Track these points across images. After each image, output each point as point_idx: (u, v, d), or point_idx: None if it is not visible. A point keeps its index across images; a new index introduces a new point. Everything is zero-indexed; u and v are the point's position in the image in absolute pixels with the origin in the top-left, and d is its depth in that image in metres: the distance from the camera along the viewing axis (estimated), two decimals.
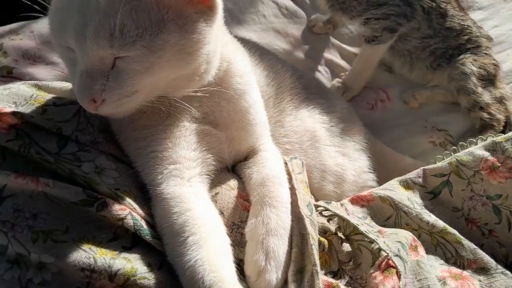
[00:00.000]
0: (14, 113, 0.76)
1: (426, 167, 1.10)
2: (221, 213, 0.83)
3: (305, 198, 0.89)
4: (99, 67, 0.70)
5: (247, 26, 1.58)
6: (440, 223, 0.99)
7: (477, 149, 1.06)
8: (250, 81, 0.93)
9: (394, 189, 1.07)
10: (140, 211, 0.77)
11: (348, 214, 0.99)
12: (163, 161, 0.79)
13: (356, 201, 1.05)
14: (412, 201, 1.03)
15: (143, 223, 0.75)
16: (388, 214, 1.02)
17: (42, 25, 1.50)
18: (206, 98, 0.84)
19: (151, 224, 0.77)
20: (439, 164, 1.09)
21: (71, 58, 0.73)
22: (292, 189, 0.89)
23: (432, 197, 1.05)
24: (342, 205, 1.03)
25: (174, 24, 0.72)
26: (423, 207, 1.03)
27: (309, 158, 1.08)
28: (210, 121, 0.86)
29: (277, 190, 0.83)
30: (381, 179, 1.22)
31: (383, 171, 1.24)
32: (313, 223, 0.84)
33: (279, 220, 0.79)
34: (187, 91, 0.80)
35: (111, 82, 0.70)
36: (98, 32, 0.67)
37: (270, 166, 0.89)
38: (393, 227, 1.01)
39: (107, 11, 0.67)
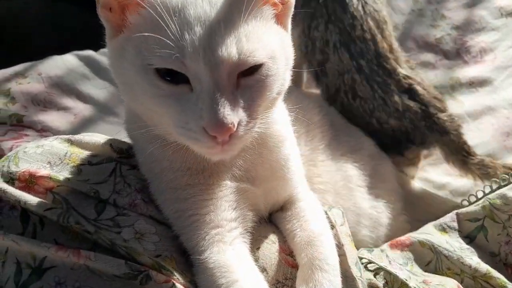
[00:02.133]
0: (50, 177, 0.75)
1: (459, 210, 1.07)
2: (265, 270, 0.80)
3: (352, 255, 0.85)
4: (228, 86, 0.63)
5: None
6: (483, 266, 0.95)
7: (509, 191, 1.03)
8: (289, 125, 0.90)
9: (431, 233, 1.04)
10: (182, 280, 0.73)
11: (390, 262, 0.96)
12: (204, 225, 0.75)
13: (395, 246, 1.02)
14: (451, 244, 1.00)
15: None
16: (429, 259, 0.99)
17: (49, 66, 1.45)
18: (250, 151, 0.80)
19: None
20: (472, 207, 1.06)
21: (174, 92, 0.64)
22: (338, 244, 0.84)
23: (468, 241, 1.02)
24: (382, 251, 0.99)
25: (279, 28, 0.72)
26: (462, 250, 1.00)
27: (342, 200, 1.04)
28: (249, 177, 0.82)
29: (326, 250, 0.78)
30: (413, 220, 1.18)
31: (413, 211, 1.21)
32: (364, 285, 0.81)
33: (331, 286, 0.74)
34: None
35: (240, 102, 0.64)
36: (226, 40, 0.62)
37: (313, 220, 0.85)
38: (434, 272, 0.98)
39: (231, 18, 0.63)
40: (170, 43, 0.60)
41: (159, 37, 0.60)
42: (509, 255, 0.99)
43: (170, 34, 0.60)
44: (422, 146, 1.29)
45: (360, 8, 1.25)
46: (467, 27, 1.71)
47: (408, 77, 1.26)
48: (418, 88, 1.26)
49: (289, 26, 0.76)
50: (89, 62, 1.50)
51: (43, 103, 1.35)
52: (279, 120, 0.85)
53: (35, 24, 2.00)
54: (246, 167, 0.81)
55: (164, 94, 0.64)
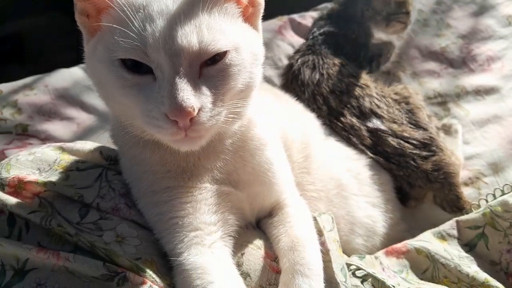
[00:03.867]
0: (37, 182, 0.77)
1: (459, 218, 1.05)
2: (248, 275, 0.80)
3: (338, 260, 0.84)
4: (189, 73, 0.65)
5: (264, 70, 1.56)
6: (481, 275, 0.93)
7: (511, 198, 1.00)
8: (273, 130, 0.91)
9: (429, 241, 1.02)
10: (161, 283, 0.73)
11: (383, 269, 0.94)
12: (183, 228, 0.75)
13: (391, 253, 1.00)
14: (449, 252, 0.98)
15: None
16: (425, 267, 0.97)
17: (56, 79, 1.50)
18: (230, 154, 0.81)
19: None
20: (472, 215, 1.03)
21: (139, 81, 0.67)
22: (324, 249, 0.84)
23: (468, 249, 1.00)
24: (376, 258, 0.97)
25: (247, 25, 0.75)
26: (461, 258, 0.97)
27: (335, 208, 1.03)
28: (231, 181, 0.82)
29: (308, 255, 0.78)
30: (412, 229, 1.16)
31: (413, 220, 1.19)
32: None
33: None
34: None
35: (203, 90, 0.66)
36: (186, 30, 0.65)
37: (298, 226, 0.84)
38: (430, 281, 0.96)
39: (192, 11, 0.66)
40: (133, 35, 0.64)
41: (123, 29, 0.64)
42: (511, 263, 0.96)
43: (133, 27, 0.64)
44: (411, 188, 1.23)
45: None
46: (473, 36, 1.68)
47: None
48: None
49: (260, 26, 0.78)
50: None
51: (48, 113, 1.39)
52: (260, 124, 0.85)
53: (56, 40, 2.06)
54: (227, 170, 0.81)
55: (130, 85, 0.66)
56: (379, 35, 1.53)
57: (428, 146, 1.21)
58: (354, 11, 1.49)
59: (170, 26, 0.64)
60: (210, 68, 0.67)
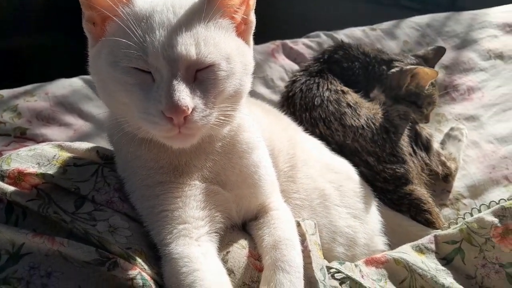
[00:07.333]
0: (36, 174, 0.81)
1: (437, 233, 1.10)
2: (232, 272, 0.83)
3: (318, 261, 0.88)
4: (186, 77, 0.72)
5: (256, 88, 1.65)
6: (457, 286, 0.97)
7: (487, 215, 1.06)
8: (259, 136, 0.96)
9: (407, 252, 1.06)
10: (150, 271, 0.77)
11: (363, 277, 0.98)
12: (173, 220, 0.80)
13: (371, 262, 1.04)
14: (426, 264, 1.02)
15: (151, 283, 0.76)
16: (403, 277, 1.01)
17: (56, 87, 1.56)
18: (219, 156, 0.86)
19: (160, 284, 0.78)
20: (450, 230, 1.08)
21: (139, 81, 0.73)
22: (305, 251, 0.88)
23: (445, 263, 1.05)
24: (356, 266, 1.01)
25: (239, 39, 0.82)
26: (438, 271, 1.01)
27: (318, 217, 1.07)
28: (219, 181, 0.88)
29: (290, 253, 0.82)
30: (392, 244, 1.20)
31: (393, 236, 1.23)
32: None
33: (292, 286, 0.78)
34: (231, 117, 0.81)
35: (197, 92, 0.73)
36: (186, 41, 0.72)
37: (282, 227, 0.89)
38: None
39: (191, 24, 0.74)
40: (134, 45, 0.71)
41: (125, 41, 0.71)
42: (485, 278, 1.01)
43: (134, 38, 0.71)
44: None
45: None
46: (455, 67, 1.79)
47: None
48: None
49: (251, 42, 0.87)
50: (93, 85, 1.58)
51: (46, 119, 1.45)
52: (249, 129, 0.91)
53: (59, 61, 2.10)
54: (216, 170, 0.86)
55: (131, 82, 0.73)
56: None
57: (398, 180, 1.31)
58: (375, 71, 1.49)
59: (170, 36, 0.72)
60: (203, 71, 0.74)
